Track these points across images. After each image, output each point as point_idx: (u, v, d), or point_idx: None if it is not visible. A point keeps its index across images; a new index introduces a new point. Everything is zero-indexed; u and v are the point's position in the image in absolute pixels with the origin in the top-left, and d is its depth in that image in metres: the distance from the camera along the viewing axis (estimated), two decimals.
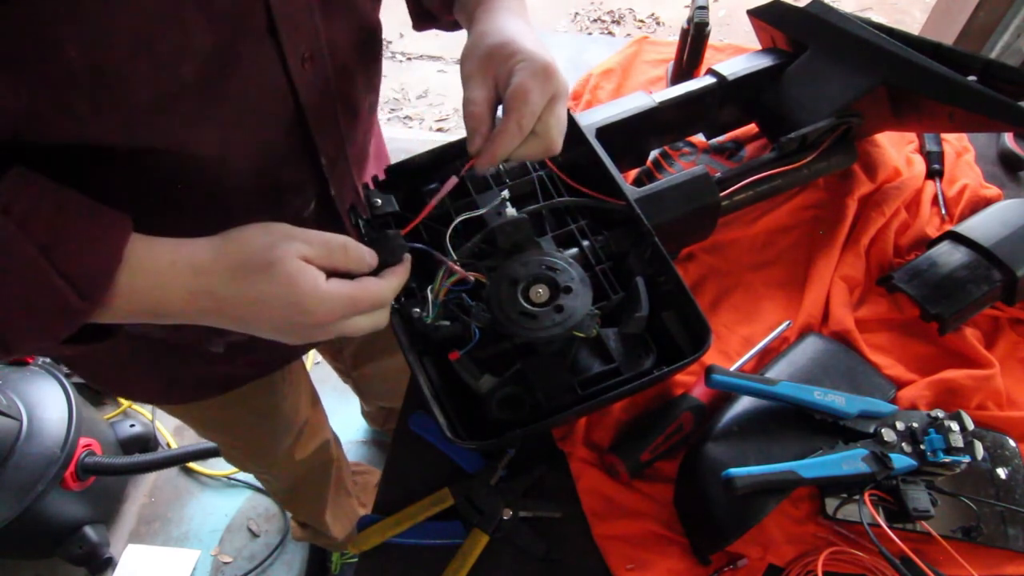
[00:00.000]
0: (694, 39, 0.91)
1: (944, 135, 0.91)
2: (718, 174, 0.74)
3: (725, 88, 0.81)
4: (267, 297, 0.44)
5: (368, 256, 0.51)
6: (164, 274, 0.44)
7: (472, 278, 0.58)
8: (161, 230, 0.47)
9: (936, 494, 0.61)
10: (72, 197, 0.42)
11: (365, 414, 1.63)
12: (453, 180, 0.56)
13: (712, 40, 0.97)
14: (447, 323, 0.60)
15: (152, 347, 0.69)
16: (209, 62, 0.45)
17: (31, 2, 0.36)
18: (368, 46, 0.63)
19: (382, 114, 2.43)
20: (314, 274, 0.45)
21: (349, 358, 1.16)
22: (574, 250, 0.66)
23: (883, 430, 0.61)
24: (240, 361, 0.76)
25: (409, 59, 2.64)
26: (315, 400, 1.11)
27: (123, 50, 0.41)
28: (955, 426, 0.60)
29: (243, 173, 0.55)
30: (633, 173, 0.87)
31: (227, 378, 0.79)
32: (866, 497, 0.58)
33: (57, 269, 0.40)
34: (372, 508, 0.66)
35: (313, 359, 1.76)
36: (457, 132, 0.65)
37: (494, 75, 0.53)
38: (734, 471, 0.57)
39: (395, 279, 0.52)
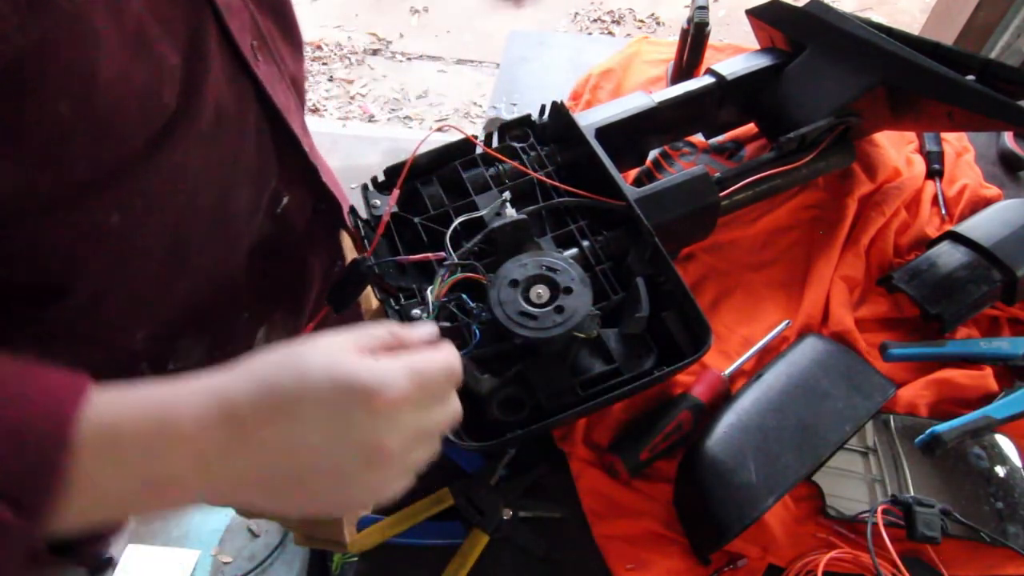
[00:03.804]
0: (694, 39, 0.91)
1: (944, 135, 0.91)
2: (718, 174, 0.74)
3: (724, 88, 0.81)
4: (309, 397, 0.34)
5: (427, 327, 0.43)
6: (161, 406, 0.34)
7: (447, 257, 0.60)
8: (166, 250, 0.47)
9: (948, 520, 0.60)
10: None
11: None
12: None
13: (712, 40, 0.97)
14: (447, 323, 0.60)
15: None
16: (183, 79, 0.45)
17: (16, 70, 0.35)
18: (286, 27, 0.62)
19: (382, 114, 2.44)
20: (358, 352, 0.37)
21: None
22: (574, 250, 0.66)
23: None
24: None
25: (409, 59, 2.64)
26: None
27: (109, 93, 0.40)
28: None
29: (240, 184, 0.55)
30: (633, 173, 0.87)
31: None
32: (879, 514, 0.58)
33: None
34: (372, 508, 0.66)
35: None
36: (456, 132, 0.65)
37: None
38: (940, 427, 0.63)
39: (446, 345, 0.42)
